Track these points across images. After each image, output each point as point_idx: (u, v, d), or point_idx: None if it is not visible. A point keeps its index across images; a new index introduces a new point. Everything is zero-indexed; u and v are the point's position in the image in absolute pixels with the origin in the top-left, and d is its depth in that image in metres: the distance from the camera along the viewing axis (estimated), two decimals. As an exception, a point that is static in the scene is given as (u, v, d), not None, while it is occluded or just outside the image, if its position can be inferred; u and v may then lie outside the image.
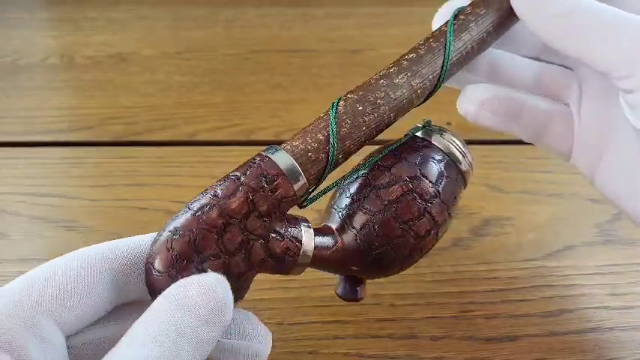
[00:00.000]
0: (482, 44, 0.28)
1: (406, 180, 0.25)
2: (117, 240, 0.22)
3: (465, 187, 0.28)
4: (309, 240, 0.23)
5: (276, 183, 0.22)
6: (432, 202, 0.25)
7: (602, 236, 0.35)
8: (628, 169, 0.28)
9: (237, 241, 0.21)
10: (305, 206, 0.24)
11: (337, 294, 0.27)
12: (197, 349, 0.19)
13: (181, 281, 0.20)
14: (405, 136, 0.28)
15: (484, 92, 0.29)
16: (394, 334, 0.30)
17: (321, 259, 0.24)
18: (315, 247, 0.24)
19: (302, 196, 0.23)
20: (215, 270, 0.21)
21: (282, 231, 0.23)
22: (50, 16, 0.60)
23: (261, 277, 0.32)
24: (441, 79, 0.27)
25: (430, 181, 0.25)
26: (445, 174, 0.26)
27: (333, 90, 0.49)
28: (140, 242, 0.22)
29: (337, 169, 0.25)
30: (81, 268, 0.21)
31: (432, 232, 0.25)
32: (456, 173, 0.27)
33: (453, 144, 0.27)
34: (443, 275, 0.33)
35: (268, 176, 0.22)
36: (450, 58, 0.27)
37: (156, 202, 0.37)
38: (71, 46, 0.54)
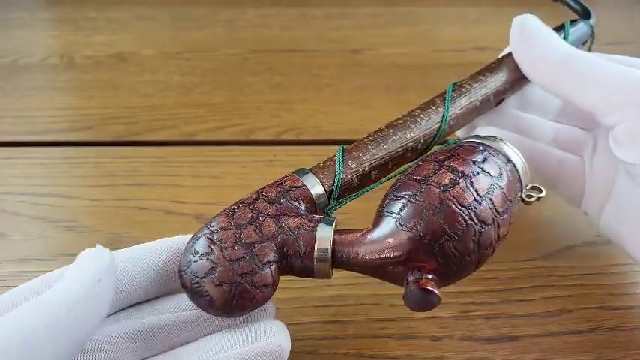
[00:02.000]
0: (485, 103, 0.31)
1: (487, 193, 0.24)
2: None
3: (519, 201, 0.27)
4: (327, 229, 0.24)
5: (283, 178, 0.26)
6: (492, 194, 0.24)
7: (602, 236, 0.35)
8: (624, 212, 0.29)
9: (247, 217, 0.24)
10: (332, 209, 0.26)
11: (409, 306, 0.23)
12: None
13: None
14: (452, 144, 0.28)
15: (494, 133, 0.32)
16: (394, 334, 0.30)
17: (356, 258, 0.24)
18: (340, 238, 0.24)
19: (323, 199, 0.26)
20: (227, 240, 0.23)
21: (298, 218, 0.24)
22: (50, 16, 0.60)
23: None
24: (438, 135, 0.29)
25: (492, 176, 0.24)
26: (508, 175, 0.25)
27: (333, 90, 0.49)
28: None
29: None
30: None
31: (494, 224, 0.24)
32: (517, 180, 0.26)
33: (517, 154, 0.27)
34: (443, 275, 0.33)
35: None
36: (449, 117, 0.29)
37: (156, 202, 0.37)
38: (71, 46, 0.54)
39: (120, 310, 0.24)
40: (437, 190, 0.23)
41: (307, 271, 0.24)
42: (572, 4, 0.35)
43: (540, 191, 0.27)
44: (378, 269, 0.24)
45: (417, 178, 0.24)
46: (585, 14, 0.34)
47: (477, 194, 0.23)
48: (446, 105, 0.29)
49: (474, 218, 0.23)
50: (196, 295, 0.23)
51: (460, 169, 0.24)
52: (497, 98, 0.32)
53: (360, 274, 0.33)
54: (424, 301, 0.22)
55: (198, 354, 0.23)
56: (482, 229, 0.23)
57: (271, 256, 0.23)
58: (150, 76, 0.50)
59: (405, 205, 0.23)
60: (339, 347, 0.29)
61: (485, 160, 0.25)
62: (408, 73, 0.51)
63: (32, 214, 0.36)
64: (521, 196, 0.27)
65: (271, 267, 0.23)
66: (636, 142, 0.27)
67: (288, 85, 0.49)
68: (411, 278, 0.23)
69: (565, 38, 0.33)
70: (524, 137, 0.33)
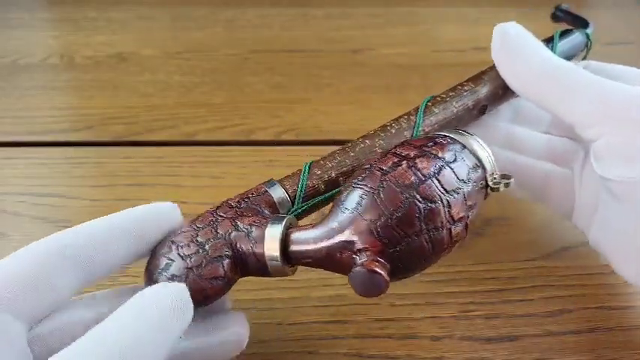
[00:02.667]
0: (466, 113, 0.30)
1: (431, 173, 0.23)
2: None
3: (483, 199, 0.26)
4: (278, 225, 0.24)
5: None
6: (453, 196, 0.23)
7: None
8: (608, 227, 0.29)
9: (207, 220, 0.25)
10: (295, 212, 0.26)
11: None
12: (160, 341, 0.21)
13: (151, 287, 0.22)
14: (426, 133, 0.28)
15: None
16: (394, 334, 0.30)
17: (308, 250, 0.24)
18: (292, 232, 0.24)
19: (287, 204, 0.27)
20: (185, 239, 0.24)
21: (253, 217, 0.25)
22: (50, 16, 0.60)
23: (261, 277, 0.32)
24: None
25: (439, 157, 0.24)
26: (462, 158, 0.24)
27: (333, 90, 0.49)
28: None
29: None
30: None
31: (442, 202, 0.23)
32: (481, 183, 0.25)
33: (488, 154, 0.26)
34: (443, 275, 0.33)
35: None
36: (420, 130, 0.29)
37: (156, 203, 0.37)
38: (71, 46, 0.54)
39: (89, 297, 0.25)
40: (379, 173, 0.23)
41: (262, 268, 0.24)
42: (569, 17, 0.35)
43: (509, 178, 0.26)
44: (327, 258, 0.23)
45: (366, 166, 0.24)
46: (583, 24, 0.34)
47: (421, 174, 0.23)
48: (419, 114, 0.29)
49: (417, 196, 0.22)
50: None
51: (405, 153, 0.24)
52: (479, 107, 0.31)
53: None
54: (369, 283, 0.22)
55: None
56: (428, 207, 0.23)
57: (223, 251, 0.24)
58: (150, 76, 0.50)
59: (349, 192, 0.24)
60: (339, 347, 0.29)
61: (435, 144, 0.25)
62: (407, 73, 0.51)
63: (32, 214, 0.36)
64: (486, 182, 0.25)
65: (223, 262, 0.24)
66: (615, 157, 0.27)
67: (288, 85, 0.49)
68: (357, 262, 0.22)
69: (553, 49, 0.32)
70: (509, 151, 0.33)
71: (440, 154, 0.24)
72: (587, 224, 0.31)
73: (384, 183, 0.23)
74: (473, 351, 0.29)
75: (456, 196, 0.23)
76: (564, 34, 0.33)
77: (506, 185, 0.25)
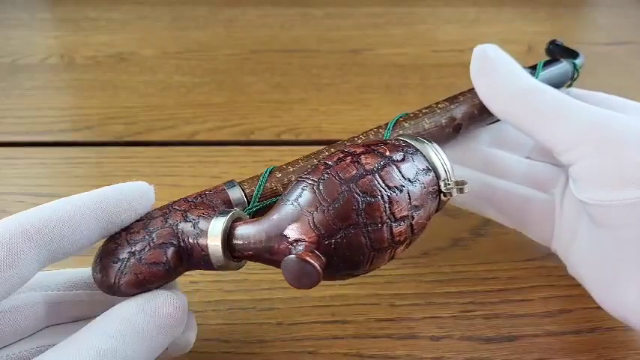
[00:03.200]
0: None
1: (374, 168, 0.23)
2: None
3: (437, 211, 0.26)
4: (223, 217, 0.24)
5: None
6: (395, 192, 0.23)
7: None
8: (587, 254, 0.29)
9: (162, 211, 0.25)
10: (252, 211, 0.27)
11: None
12: (149, 352, 0.22)
13: (150, 293, 0.23)
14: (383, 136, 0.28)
15: (460, 172, 0.32)
16: (394, 334, 0.30)
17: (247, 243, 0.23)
18: (237, 224, 0.24)
19: (243, 203, 0.27)
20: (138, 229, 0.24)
21: (204, 209, 0.25)
22: (50, 16, 0.60)
23: (261, 278, 0.32)
24: None
25: (402, 177, 0.23)
26: (421, 180, 0.24)
27: (333, 90, 0.49)
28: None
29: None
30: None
31: (382, 197, 0.23)
32: (433, 187, 0.25)
33: (442, 161, 0.25)
34: (443, 275, 0.33)
35: None
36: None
37: (156, 202, 0.37)
38: (71, 46, 0.54)
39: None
40: (322, 167, 0.23)
41: (206, 260, 0.24)
42: (562, 51, 0.35)
43: (463, 184, 0.25)
44: (266, 250, 0.23)
45: (315, 163, 0.25)
46: (574, 56, 0.34)
47: (363, 168, 0.23)
48: (387, 128, 0.29)
49: (356, 189, 0.22)
50: (95, 272, 0.24)
51: (352, 150, 0.24)
52: (453, 125, 0.30)
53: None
54: (300, 272, 0.21)
55: (98, 325, 0.23)
56: (366, 201, 0.22)
57: (168, 239, 0.24)
58: (150, 76, 0.50)
59: (293, 185, 0.24)
60: (339, 347, 0.29)
61: (385, 144, 0.25)
62: (407, 73, 0.51)
63: (32, 214, 0.36)
64: (439, 187, 0.25)
65: (167, 249, 0.24)
66: (593, 180, 0.27)
67: (288, 85, 0.49)
68: (292, 252, 0.22)
69: (535, 77, 0.31)
70: (488, 174, 0.32)
71: (387, 153, 0.24)
72: (565, 251, 0.31)
73: (325, 175, 0.23)
74: (473, 351, 0.29)
75: (398, 193, 0.23)
76: (550, 63, 0.33)
77: (460, 191, 0.25)
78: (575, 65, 0.33)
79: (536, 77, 0.31)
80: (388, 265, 0.33)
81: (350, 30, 0.57)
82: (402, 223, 0.23)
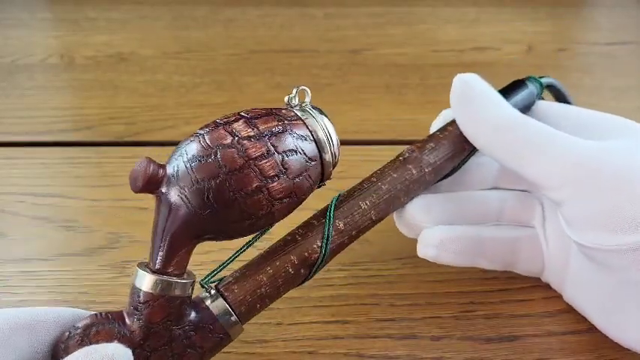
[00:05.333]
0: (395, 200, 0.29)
1: (251, 157, 0.23)
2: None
3: (322, 181, 0.26)
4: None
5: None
6: (274, 179, 0.23)
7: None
8: (585, 285, 0.29)
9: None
10: (206, 283, 0.26)
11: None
12: None
13: (86, 348, 0.21)
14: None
15: (441, 234, 0.30)
16: (394, 334, 0.30)
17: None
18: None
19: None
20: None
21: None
22: (50, 15, 0.60)
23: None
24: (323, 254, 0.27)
25: (279, 154, 0.24)
26: (302, 154, 0.24)
27: (333, 90, 0.49)
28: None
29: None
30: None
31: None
32: (315, 158, 0.25)
33: (325, 129, 0.26)
34: (443, 275, 0.33)
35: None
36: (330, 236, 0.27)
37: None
38: (71, 46, 0.54)
39: None
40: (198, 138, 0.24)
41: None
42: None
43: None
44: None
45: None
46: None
47: (233, 132, 0.23)
48: (327, 225, 0.27)
49: (214, 147, 0.23)
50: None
51: (234, 118, 0.25)
52: (408, 197, 0.29)
53: (360, 275, 0.33)
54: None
55: None
56: (221, 151, 0.23)
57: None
58: (150, 76, 0.50)
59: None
60: (339, 347, 0.29)
61: (267, 114, 0.25)
62: (407, 73, 0.51)
63: (32, 214, 0.36)
64: (321, 157, 0.25)
65: None
66: (590, 224, 0.26)
67: (288, 85, 0.49)
68: None
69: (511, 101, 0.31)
70: (463, 226, 0.30)
71: (262, 127, 0.24)
72: (559, 281, 0.31)
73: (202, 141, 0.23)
74: (473, 351, 0.29)
75: (253, 143, 0.23)
76: (517, 84, 0.32)
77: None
78: (541, 84, 0.32)
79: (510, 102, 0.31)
80: (388, 265, 0.33)
81: (350, 30, 0.57)
82: (274, 179, 0.23)
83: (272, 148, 0.24)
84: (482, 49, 0.54)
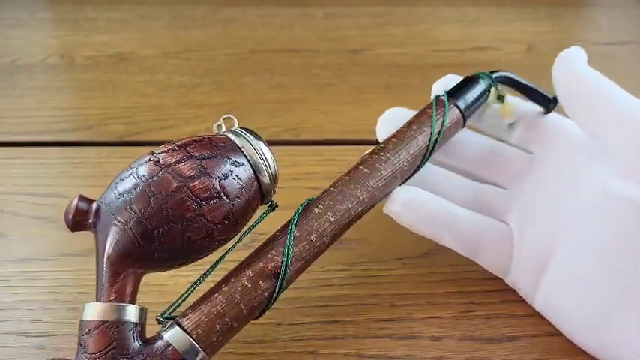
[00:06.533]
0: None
1: (185, 176, 0.24)
2: None
3: (262, 203, 0.27)
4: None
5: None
6: (209, 201, 0.24)
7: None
8: (572, 291, 0.28)
9: None
10: (162, 317, 0.25)
11: None
12: None
13: None
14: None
15: (410, 194, 0.30)
16: (394, 334, 0.30)
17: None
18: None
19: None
20: None
21: None
22: (50, 16, 0.60)
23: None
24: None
25: (214, 178, 0.24)
26: (237, 177, 0.25)
27: (333, 90, 0.49)
28: None
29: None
30: None
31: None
32: (251, 181, 0.26)
33: (258, 150, 0.26)
34: (443, 275, 0.33)
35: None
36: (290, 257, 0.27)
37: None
38: (71, 46, 0.54)
39: None
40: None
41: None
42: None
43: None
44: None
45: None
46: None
47: (164, 165, 0.24)
48: (286, 248, 0.26)
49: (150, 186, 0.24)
50: None
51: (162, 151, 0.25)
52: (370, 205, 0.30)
53: (360, 275, 0.33)
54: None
55: None
56: (153, 179, 0.24)
57: None
58: (150, 76, 0.50)
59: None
60: (339, 347, 0.29)
61: (200, 140, 0.26)
62: (407, 72, 0.51)
63: (32, 214, 0.36)
64: (258, 180, 0.26)
65: None
66: None
67: (288, 85, 0.49)
68: None
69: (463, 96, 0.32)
70: (437, 197, 0.31)
71: (192, 152, 0.25)
72: (530, 284, 0.30)
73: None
74: (473, 351, 0.29)
75: (187, 170, 0.24)
76: (469, 80, 0.33)
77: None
78: (492, 79, 0.33)
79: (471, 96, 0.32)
80: (388, 265, 0.33)
81: (350, 30, 0.57)
82: (208, 202, 0.24)
83: (204, 171, 0.24)
84: (483, 49, 0.54)
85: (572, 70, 0.31)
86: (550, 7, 0.62)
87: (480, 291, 0.32)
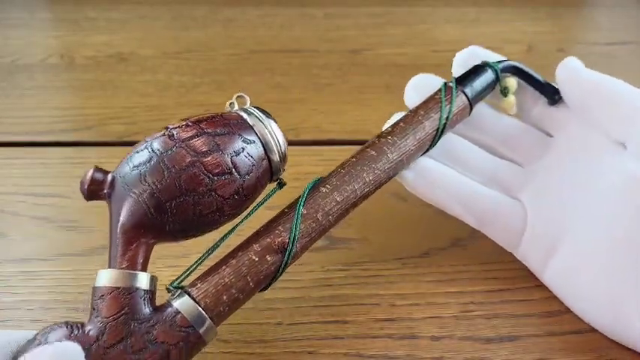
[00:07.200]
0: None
1: (198, 151, 0.24)
2: None
3: (271, 180, 0.27)
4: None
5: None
6: (220, 177, 0.25)
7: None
8: (576, 271, 0.29)
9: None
10: (171, 286, 0.26)
11: None
12: None
13: (38, 348, 0.22)
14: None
15: (426, 162, 0.32)
16: (394, 334, 0.30)
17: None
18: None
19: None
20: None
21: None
22: (50, 15, 0.60)
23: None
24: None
25: (226, 154, 0.25)
26: (248, 154, 0.25)
27: (333, 90, 0.49)
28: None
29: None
30: None
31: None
32: (262, 158, 0.26)
33: (269, 129, 0.27)
34: (443, 275, 0.33)
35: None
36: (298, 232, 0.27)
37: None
38: (71, 46, 0.54)
39: None
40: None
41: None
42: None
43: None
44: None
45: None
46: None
47: (178, 137, 0.25)
48: (294, 223, 0.27)
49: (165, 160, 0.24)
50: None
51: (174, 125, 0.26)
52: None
53: (360, 275, 0.33)
54: None
55: None
56: (168, 153, 0.24)
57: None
58: (150, 76, 0.50)
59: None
60: (339, 347, 0.29)
61: (213, 117, 0.26)
62: (407, 72, 0.51)
63: (32, 214, 0.36)
64: (268, 158, 0.26)
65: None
66: None
67: (288, 85, 0.49)
68: None
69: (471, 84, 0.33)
70: (453, 169, 0.33)
71: (209, 130, 0.25)
72: (541, 261, 0.31)
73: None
74: (473, 351, 0.29)
75: (201, 146, 0.25)
76: (477, 68, 0.34)
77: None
78: (497, 71, 0.34)
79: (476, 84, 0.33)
80: (388, 265, 0.33)
81: (350, 30, 0.57)
82: (220, 177, 0.25)
83: (217, 147, 0.25)
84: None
85: (578, 74, 0.32)
86: (550, 7, 0.62)
87: (479, 291, 0.32)
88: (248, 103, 0.28)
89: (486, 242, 0.35)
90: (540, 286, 0.32)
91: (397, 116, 0.34)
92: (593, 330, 0.30)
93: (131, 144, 0.43)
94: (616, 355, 0.29)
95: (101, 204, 0.37)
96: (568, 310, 0.31)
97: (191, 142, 0.25)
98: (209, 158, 0.24)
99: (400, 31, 0.57)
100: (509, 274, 0.33)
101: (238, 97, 0.28)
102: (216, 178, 0.24)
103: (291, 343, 0.29)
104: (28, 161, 0.41)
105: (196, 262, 0.27)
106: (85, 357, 0.22)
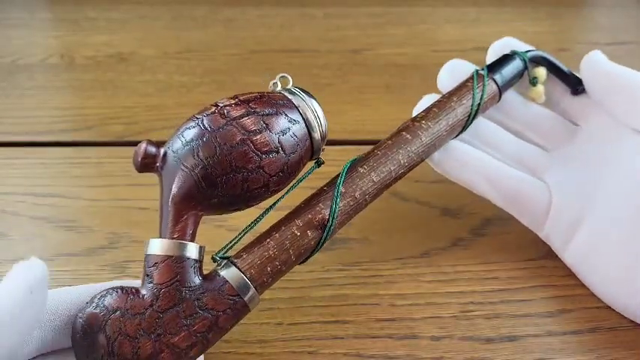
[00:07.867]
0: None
1: (248, 130, 0.25)
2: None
3: (312, 158, 0.28)
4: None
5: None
6: (268, 155, 0.26)
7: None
8: (595, 249, 0.30)
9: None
10: (217, 256, 0.27)
11: None
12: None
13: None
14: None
15: (454, 142, 0.33)
16: (394, 334, 0.30)
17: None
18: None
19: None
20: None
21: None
22: (50, 16, 0.60)
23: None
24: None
25: (273, 133, 0.26)
26: (293, 133, 0.26)
27: (333, 90, 0.49)
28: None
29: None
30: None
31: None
32: (305, 138, 0.27)
33: (312, 109, 0.28)
34: (443, 275, 0.33)
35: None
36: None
37: (156, 202, 0.37)
38: (71, 46, 0.54)
39: None
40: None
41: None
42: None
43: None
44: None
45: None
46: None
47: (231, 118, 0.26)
48: (337, 185, 0.29)
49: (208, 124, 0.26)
50: (77, 336, 0.24)
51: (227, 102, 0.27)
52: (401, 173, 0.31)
53: (359, 275, 0.33)
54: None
55: None
56: (219, 130, 0.25)
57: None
58: (150, 76, 0.50)
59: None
60: (339, 347, 0.29)
61: (261, 97, 0.27)
62: (407, 72, 0.51)
63: (32, 214, 0.36)
64: (310, 136, 0.27)
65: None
66: None
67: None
68: None
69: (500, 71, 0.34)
70: (489, 150, 0.34)
71: (258, 110, 0.26)
72: (563, 242, 0.32)
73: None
74: (473, 351, 0.29)
75: (250, 120, 0.26)
76: (507, 57, 0.35)
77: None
78: (525, 60, 0.35)
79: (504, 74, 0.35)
80: (388, 265, 0.33)
81: (350, 30, 0.57)
82: (268, 155, 0.26)
83: (265, 126, 0.26)
84: (483, 49, 0.53)
85: (600, 67, 0.34)
86: (550, 7, 0.62)
87: (479, 291, 0.32)
88: (291, 83, 0.29)
89: (486, 242, 0.35)
90: (540, 286, 0.32)
91: (427, 98, 0.35)
92: (592, 330, 0.30)
93: (131, 144, 0.43)
94: (615, 355, 0.29)
95: (100, 204, 0.37)
96: (568, 310, 0.31)
97: (241, 120, 0.26)
98: (258, 137, 0.25)
99: (400, 31, 0.57)
100: (509, 274, 0.33)
101: (281, 77, 0.29)
102: (264, 156, 0.25)
103: (291, 343, 0.29)
104: (27, 161, 0.41)
105: (240, 233, 0.28)
106: (141, 320, 0.24)
